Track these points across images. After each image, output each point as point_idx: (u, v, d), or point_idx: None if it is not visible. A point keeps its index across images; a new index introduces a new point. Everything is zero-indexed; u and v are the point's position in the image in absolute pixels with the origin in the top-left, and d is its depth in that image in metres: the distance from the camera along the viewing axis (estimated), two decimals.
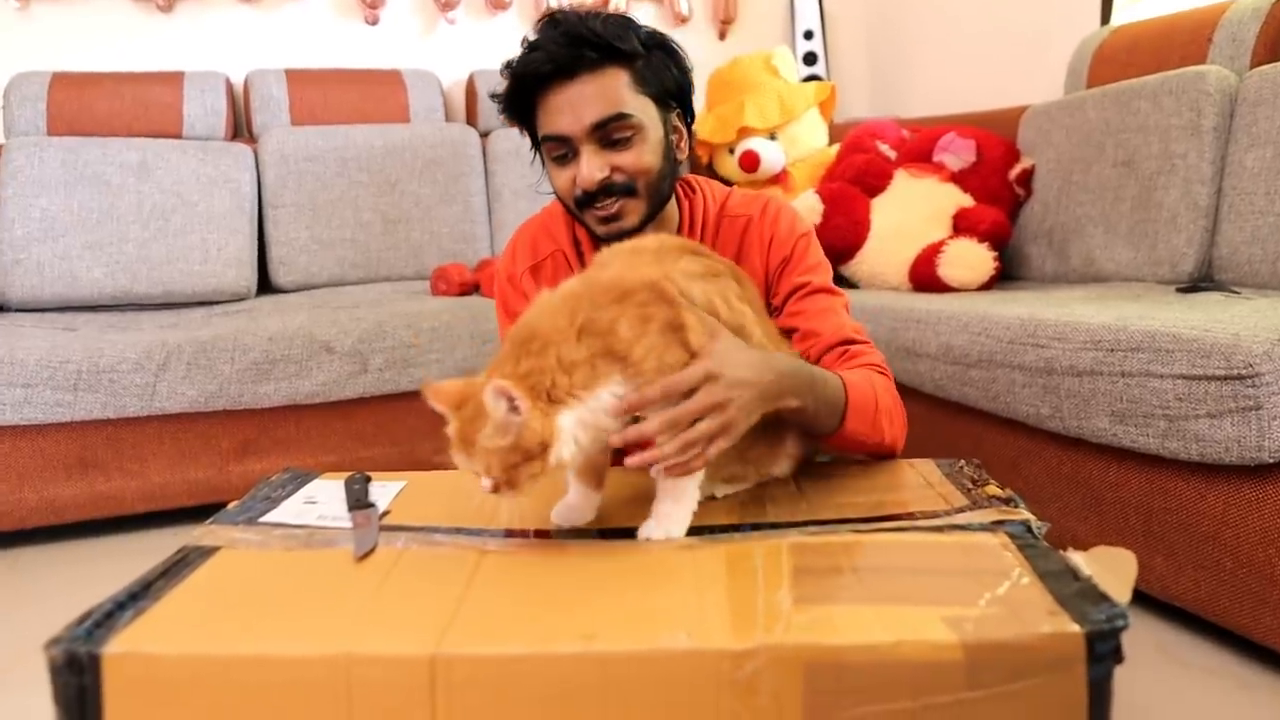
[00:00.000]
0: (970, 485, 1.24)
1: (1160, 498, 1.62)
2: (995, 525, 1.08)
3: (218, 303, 2.98)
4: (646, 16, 3.73)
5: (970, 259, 2.50)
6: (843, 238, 2.72)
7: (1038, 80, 3.07)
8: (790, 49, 3.60)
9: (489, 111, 3.39)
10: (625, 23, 1.30)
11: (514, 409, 0.89)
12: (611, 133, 1.28)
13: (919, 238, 2.64)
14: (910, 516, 1.13)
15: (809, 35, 3.87)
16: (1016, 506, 1.13)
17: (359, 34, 3.51)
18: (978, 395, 1.96)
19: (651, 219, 1.35)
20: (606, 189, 1.29)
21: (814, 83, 3.43)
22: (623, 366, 0.95)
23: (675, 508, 1.05)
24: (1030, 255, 2.71)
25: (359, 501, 1.25)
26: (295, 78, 3.26)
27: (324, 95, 3.28)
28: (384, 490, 1.35)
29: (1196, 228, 2.22)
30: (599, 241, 1.37)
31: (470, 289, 2.88)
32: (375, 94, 3.33)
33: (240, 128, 3.31)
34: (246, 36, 3.38)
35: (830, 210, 2.73)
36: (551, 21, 1.28)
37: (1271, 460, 1.42)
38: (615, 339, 0.95)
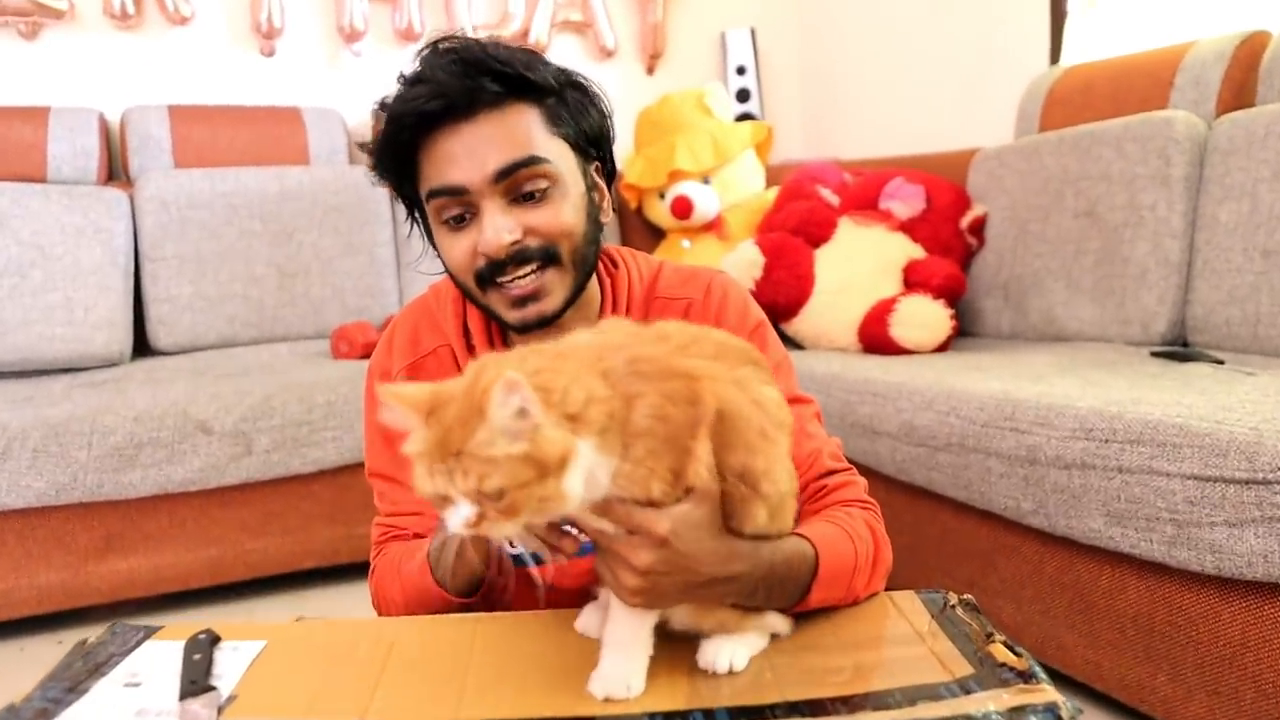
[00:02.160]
0: (969, 640, 1.00)
1: (1164, 610, 1.41)
2: (1015, 713, 0.84)
3: (85, 369, 2.62)
4: (569, 48, 3.50)
5: (925, 318, 2.30)
6: (785, 293, 2.50)
7: (984, 121, 2.91)
8: (723, 85, 3.40)
9: None
10: (532, 53, 1.05)
11: (522, 414, 0.70)
12: (521, 183, 1.01)
13: (868, 293, 2.44)
14: (905, 695, 0.88)
15: (741, 71, 3.67)
16: (1036, 681, 0.89)
17: (253, 67, 3.19)
18: (946, 481, 1.74)
19: (576, 299, 1.08)
20: (520, 256, 1.01)
21: (750, 122, 3.23)
22: (622, 451, 0.77)
23: (619, 661, 0.84)
24: (985, 310, 2.52)
25: (194, 683, 0.95)
26: (179, 115, 2.93)
27: (212, 134, 2.96)
28: (236, 655, 1.04)
29: (1168, 285, 2.05)
30: (505, 331, 1.11)
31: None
32: (271, 133, 3.02)
33: (115, 170, 2.96)
34: (123, 68, 3.04)
35: (772, 263, 2.51)
36: (439, 48, 1.02)
37: None
38: (627, 416, 0.77)
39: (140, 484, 2.09)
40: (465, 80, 0.98)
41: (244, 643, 1.04)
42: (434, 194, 1.02)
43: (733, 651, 0.90)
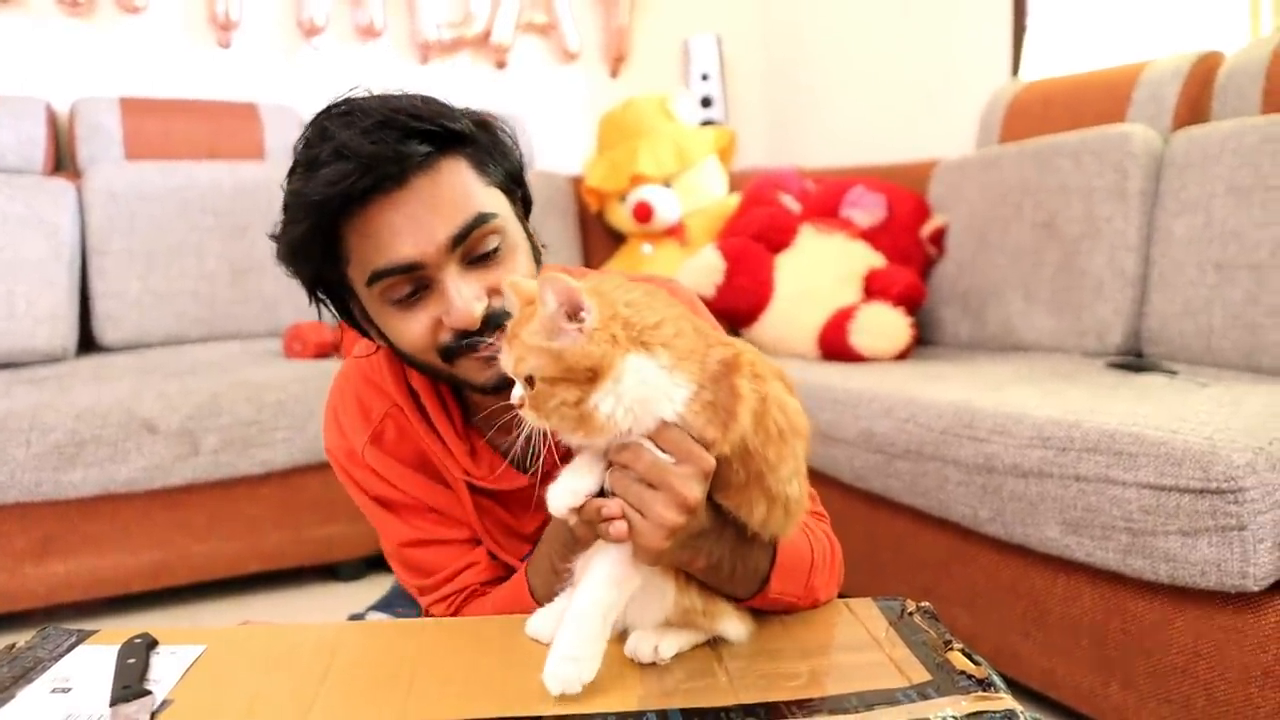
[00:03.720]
0: (927, 647, 0.99)
1: (1118, 619, 1.41)
2: (972, 718, 0.83)
3: (26, 365, 2.53)
4: (533, 50, 3.47)
5: (885, 327, 2.30)
6: (746, 299, 2.49)
7: (945, 133, 2.93)
8: (687, 90, 3.39)
9: None
10: (436, 100, 0.98)
11: (576, 319, 0.77)
12: (475, 245, 0.95)
13: (828, 300, 2.43)
14: (862, 700, 0.87)
15: (705, 77, 3.67)
16: (994, 689, 0.88)
17: (208, 59, 3.12)
18: (903, 489, 1.74)
19: None
20: (493, 322, 0.94)
21: (713, 128, 3.22)
22: (696, 387, 0.80)
23: (576, 644, 0.82)
24: (944, 319, 2.53)
25: (128, 688, 0.91)
26: (131, 106, 2.85)
27: (164, 127, 2.88)
28: (174, 660, 1.00)
29: (1124, 297, 2.07)
30: (458, 392, 1.07)
31: (329, 351, 2.53)
32: (225, 128, 2.95)
33: (63, 161, 2.88)
34: (74, 57, 2.95)
35: (733, 269, 2.50)
36: (345, 115, 0.92)
37: (1257, 589, 1.22)
38: (704, 359, 0.81)
39: (81, 484, 2.02)
40: (390, 147, 0.89)
41: (182, 647, 1.00)
42: (380, 275, 0.93)
43: (659, 639, 0.89)
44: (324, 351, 2.53)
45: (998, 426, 1.53)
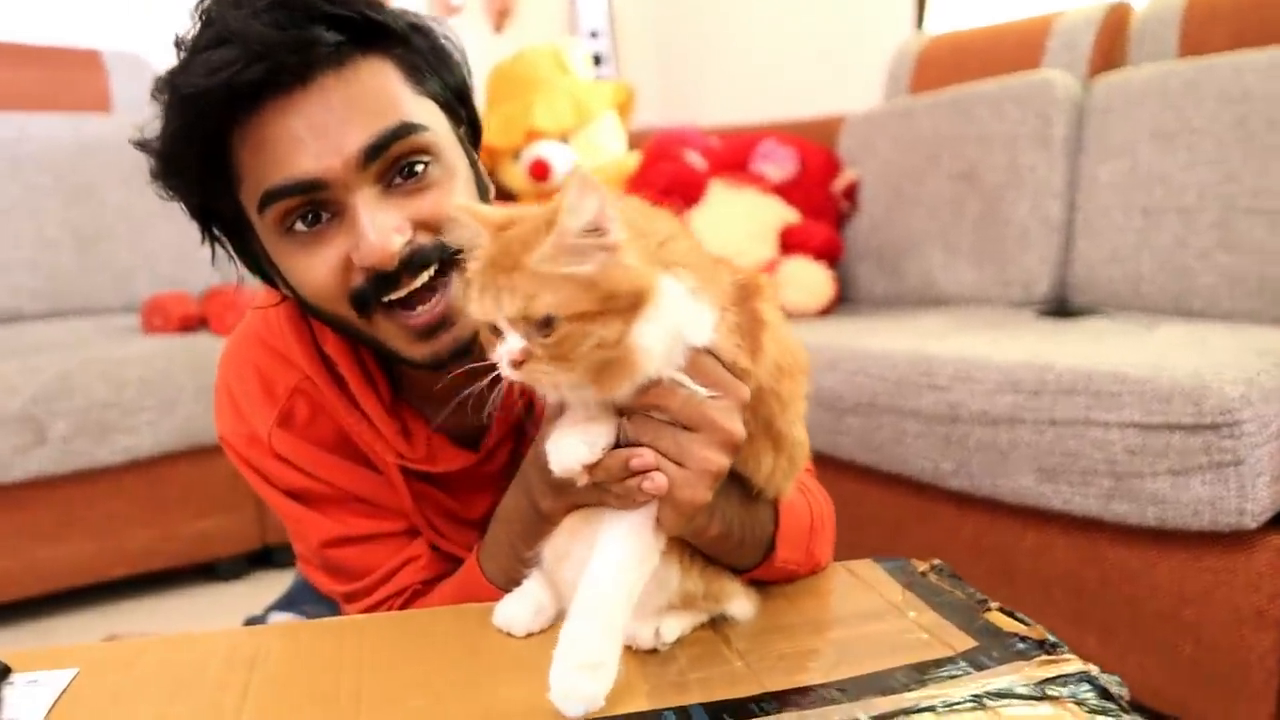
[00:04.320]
0: (961, 610, 0.87)
1: (1095, 568, 1.34)
2: (1046, 686, 0.72)
3: None
4: (411, 3, 3.22)
5: (807, 281, 2.20)
6: None
7: (848, 88, 2.86)
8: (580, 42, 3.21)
9: None
10: None
11: (600, 233, 0.59)
12: (396, 161, 0.76)
13: (744, 256, 2.31)
14: (911, 676, 0.74)
15: (595, 35, 3.50)
16: (1059, 650, 0.77)
17: (41, 1, 2.74)
18: (854, 445, 1.63)
19: None
20: (414, 261, 0.76)
21: (611, 82, 3.06)
22: (720, 311, 0.66)
23: (589, 634, 0.65)
24: (859, 275, 2.46)
25: None
26: None
27: None
28: (36, 691, 0.78)
29: (1050, 245, 2.03)
30: (381, 357, 0.86)
31: (195, 324, 2.25)
32: (63, 77, 2.61)
33: None
34: None
35: None
36: None
37: (1254, 525, 1.16)
38: (719, 276, 0.68)
39: None
40: (290, 33, 0.71)
41: (46, 674, 0.78)
42: (273, 196, 0.74)
43: (658, 621, 0.74)
44: (189, 325, 2.25)
45: (960, 373, 1.44)
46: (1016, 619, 0.84)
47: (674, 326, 0.62)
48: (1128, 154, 1.92)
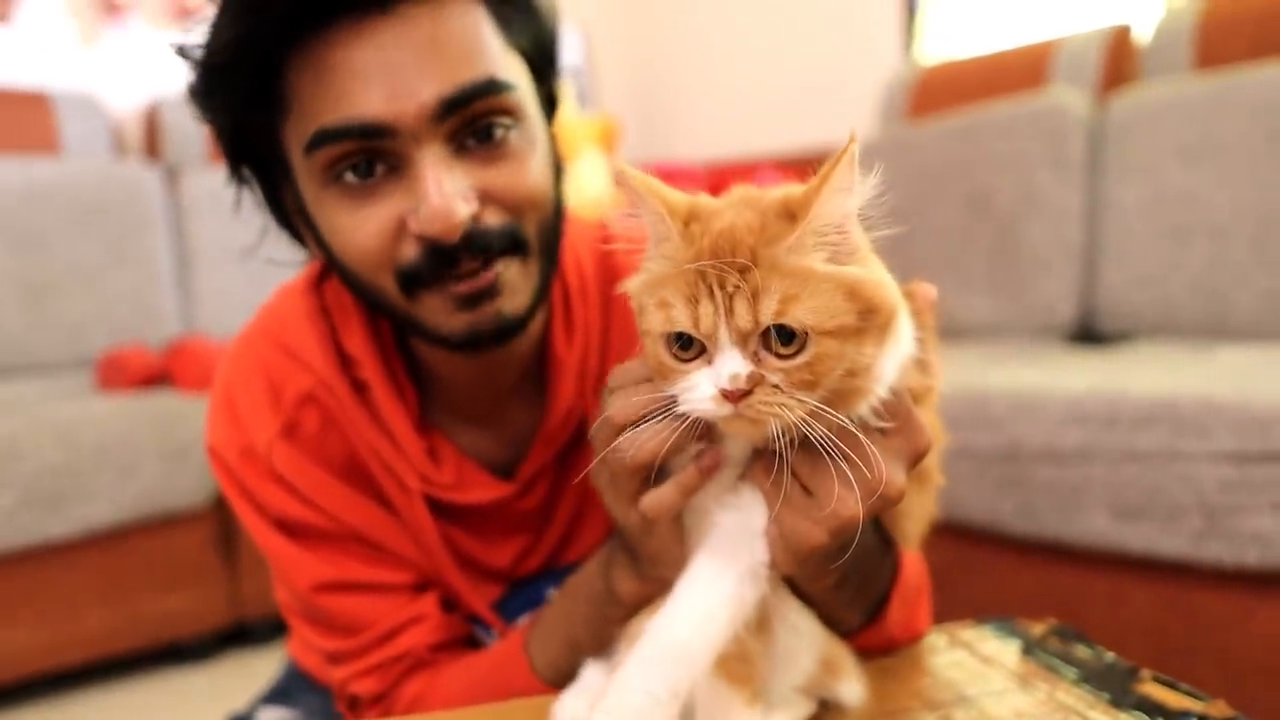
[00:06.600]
0: (1099, 679, 0.74)
1: (1180, 617, 1.21)
2: None
3: None
4: None
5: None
6: None
7: (834, 120, 2.80)
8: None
9: (180, 144, 2.58)
10: None
11: (843, 233, 0.51)
12: (476, 121, 0.64)
13: None
14: None
15: (572, 73, 3.40)
16: None
17: None
18: None
19: (542, 301, 0.71)
20: (475, 242, 0.64)
21: (594, 117, 2.96)
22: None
23: (643, 683, 0.50)
24: None
25: None
26: None
27: None
28: None
29: (1071, 270, 1.93)
30: (409, 357, 0.76)
31: (156, 380, 2.07)
32: (9, 119, 2.43)
33: None
34: None
35: None
36: None
37: None
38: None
39: None
40: None
41: None
42: (327, 135, 0.62)
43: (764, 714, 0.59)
44: (150, 381, 2.07)
45: (1018, 406, 1.31)
46: (1182, 691, 0.71)
47: (902, 352, 0.51)
48: (1151, 173, 1.83)
